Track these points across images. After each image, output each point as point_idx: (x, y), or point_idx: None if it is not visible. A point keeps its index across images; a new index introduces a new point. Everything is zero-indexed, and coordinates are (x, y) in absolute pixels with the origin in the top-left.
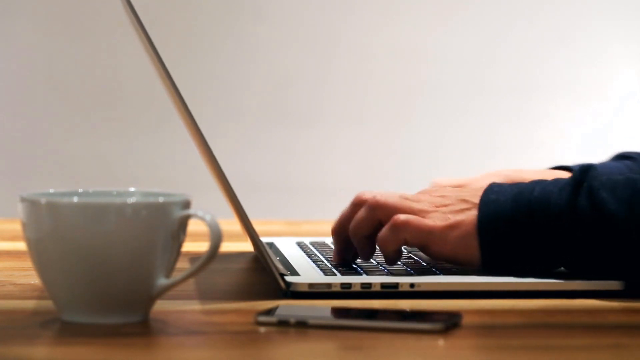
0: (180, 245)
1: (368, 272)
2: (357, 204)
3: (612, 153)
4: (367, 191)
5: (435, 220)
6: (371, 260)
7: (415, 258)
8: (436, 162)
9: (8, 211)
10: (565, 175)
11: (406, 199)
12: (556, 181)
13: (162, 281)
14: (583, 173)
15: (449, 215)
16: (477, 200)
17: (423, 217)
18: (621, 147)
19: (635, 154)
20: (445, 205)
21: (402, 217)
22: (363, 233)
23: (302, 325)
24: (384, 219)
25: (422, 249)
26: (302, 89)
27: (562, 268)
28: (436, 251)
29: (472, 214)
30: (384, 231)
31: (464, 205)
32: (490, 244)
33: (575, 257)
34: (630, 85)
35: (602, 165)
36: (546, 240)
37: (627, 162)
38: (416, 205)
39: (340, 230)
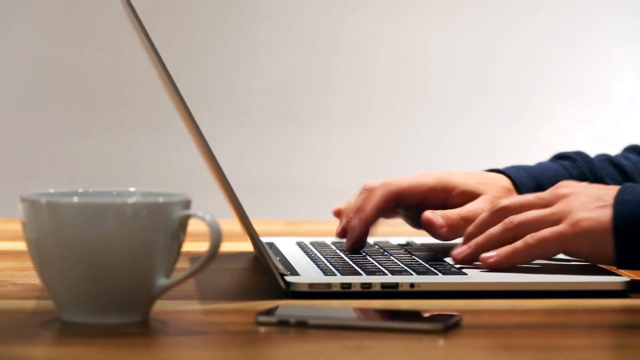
0: (180, 245)
1: (368, 272)
2: (495, 213)
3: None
4: (505, 200)
5: (568, 222)
6: (372, 261)
7: (416, 258)
8: (438, 162)
9: (8, 211)
10: (501, 178)
11: (542, 198)
12: None
13: (162, 281)
14: None
15: (584, 213)
16: (611, 199)
17: (558, 219)
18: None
19: (572, 154)
20: (580, 203)
21: (538, 234)
22: (492, 248)
23: (302, 325)
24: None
25: (563, 252)
26: (302, 89)
27: None
28: (574, 251)
29: (608, 213)
30: (521, 246)
31: (599, 203)
32: (626, 244)
33: None
34: (633, 85)
35: (538, 165)
36: None
37: (564, 162)
38: (551, 211)
39: (474, 236)
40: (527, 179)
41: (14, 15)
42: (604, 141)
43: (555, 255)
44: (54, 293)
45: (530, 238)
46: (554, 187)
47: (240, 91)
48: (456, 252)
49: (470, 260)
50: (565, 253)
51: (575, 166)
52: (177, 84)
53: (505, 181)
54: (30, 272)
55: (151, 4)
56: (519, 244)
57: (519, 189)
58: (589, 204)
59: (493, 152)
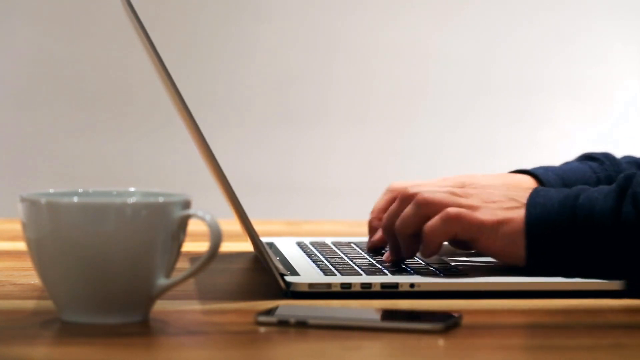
0: (180, 245)
1: (368, 272)
2: (404, 200)
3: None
4: (411, 185)
5: (485, 215)
6: (372, 261)
7: (416, 258)
8: (438, 162)
9: (8, 211)
10: (527, 179)
11: (453, 194)
12: (601, 188)
13: (162, 281)
14: (628, 180)
15: (498, 212)
16: (524, 200)
17: (473, 211)
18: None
19: (599, 155)
20: (493, 202)
21: (454, 210)
22: (410, 231)
23: (302, 325)
24: (432, 216)
25: (470, 243)
26: (302, 89)
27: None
28: (485, 246)
29: (521, 213)
30: (434, 222)
31: (513, 204)
32: (536, 246)
33: (620, 263)
34: (633, 86)
35: (566, 166)
36: (591, 246)
37: (592, 163)
38: (464, 201)
39: (391, 228)
40: (555, 180)
41: (14, 15)
42: (604, 141)
43: (466, 240)
44: (54, 293)
45: (451, 210)
46: (457, 182)
47: (240, 91)
48: (385, 256)
49: (398, 256)
50: (475, 243)
51: (602, 168)
52: (177, 84)
53: (530, 182)
54: (30, 272)
55: (151, 4)
56: (436, 217)
57: None
58: (502, 203)
59: (493, 152)
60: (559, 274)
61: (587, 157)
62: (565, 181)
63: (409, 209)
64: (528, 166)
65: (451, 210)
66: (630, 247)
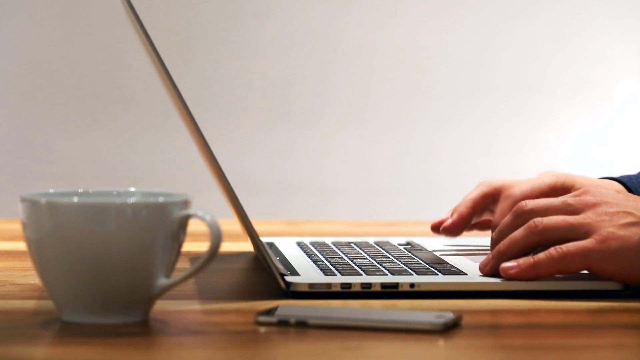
0: (180, 245)
1: (368, 272)
2: (519, 215)
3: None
4: (530, 202)
5: (596, 238)
6: (372, 261)
7: (416, 258)
8: (436, 162)
9: (8, 211)
10: (617, 186)
11: (568, 205)
12: None
13: (162, 281)
14: None
15: (612, 230)
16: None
17: (586, 232)
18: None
19: None
20: (609, 215)
21: (562, 248)
22: (518, 252)
23: (302, 325)
24: (543, 244)
25: (589, 270)
26: (302, 89)
27: None
28: (599, 270)
29: (637, 232)
30: (544, 259)
31: (629, 219)
32: None
33: None
34: (631, 86)
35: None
36: None
37: None
38: (579, 220)
39: (499, 241)
40: None
41: (14, 15)
42: (603, 141)
43: (579, 271)
44: (54, 293)
45: (554, 251)
46: (578, 191)
47: (240, 91)
48: (482, 263)
49: (497, 270)
50: (590, 270)
51: None
52: (177, 84)
53: (621, 188)
54: (30, 272)
55: (151, 4)
56: (542, 256)
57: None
58: (618, 218)
59: (492, 152)
60: None
61: None
62: None
63: (519, 234)
64: (524, 167)
65: (560, 248)
66: None
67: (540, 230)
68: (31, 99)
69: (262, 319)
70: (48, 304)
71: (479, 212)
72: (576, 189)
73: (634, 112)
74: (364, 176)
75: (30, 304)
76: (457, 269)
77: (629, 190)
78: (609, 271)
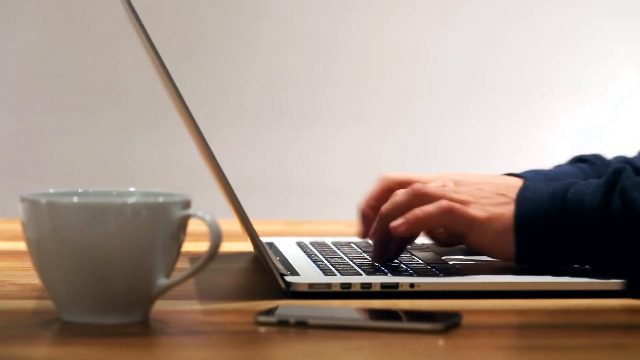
0: (180, 245)
1: (368, 272)
2: (404, 192)
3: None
4: (406, 178)
5: (476, 211)
6: (370, 260)
7: (416, 258)
8: (435, 162)
9: (8, 211)
10: (516, 181)
11: (444, 186)
12: (590, 182)
13: (162, 281)
14: (617, 174)
15: (489, 207)
16: (514, 195)
17: (464, 206)
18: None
19: (590, 157)
20: (484, 197)
21: (447, 202)
22: (396, 216)
23: (302, 325)
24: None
25: (460, 237)
26: (301, 89)
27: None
28: (475, 241)
29: (510, 209)
30: (428, 207)
31: (503, 200)
32: (526, 241)
33: (608, 257)
34: (630, 85)
35: (556, 169)
36: (579, 240)
37: (582, 165)
38: (456, 196)
39: (387, 215)
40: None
41: (14, 15)
42: (601, 141)
43: (458, 232)
44: (54, 293)
45: (445, 203)
46: (450, 179)
47: (240, 91)
48: (370, 232)
49: (383, 234)
50: (465, 240)
51: (593, 169)
52: (177, 84)
53: (519, 184)
54: (30, 272)
55: (151, 4)
56: (430, 207)
57: None
58: (493, 198)
59: (491, 152)
60: (548, 268)
61: (578, 160)
62: None
63: (401, 196)
64: (523, 167)
65: (444, 202)
66: (619, 241)
67: (422, 193)
68: (31, 99)
69: (262, 319)
70: (48, 304)
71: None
72: None
73: (634, 111)
74: (363, 176)
75: (30, 304)
76: (457, 269)
77: None
78: (483, 244)
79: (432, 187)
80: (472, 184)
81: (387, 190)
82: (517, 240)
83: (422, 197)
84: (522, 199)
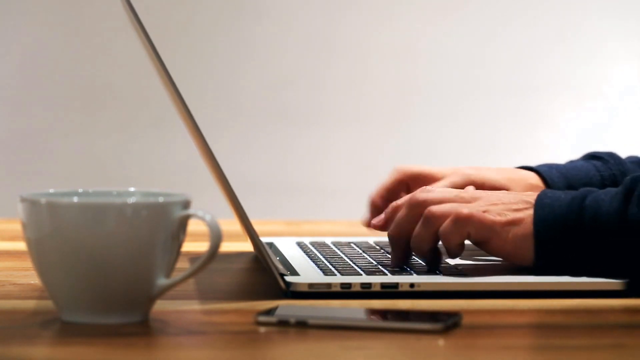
0: (180, 245)
1: (368, 272)
2: (412, 207)
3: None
4: (420, 192)
5: (495, 216)
6: (372, 260)
7: (415, 258)
8: (436, 162)
9: (8, 211)
10: (531, 175)
11: (462, 199)
12: (607, 190)
13: (162, 281)
14: (634, 181)
15: (508, 213)
16: (532, 200)
17: (483, 212)
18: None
19: (604, 154)
20: (503, 204)
21: (465, 210)
22: (427, 248)
23: (302, 325)
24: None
25: (481, 244)
26: (301, 89)
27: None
28: (495, 247)
29: (529, 213)
30: (446, 225)
31: (522, 205)
32: (544, 248)
33: (626, 264)
34: (628, 83)
35: (570, 164)
36: (597, 247)
37: (596, 162)
38: (473, 206)
39: (399, 238)
40: (559, 178)
41: (14, 15)
42: (600, 139)
43: (477, 239)
44: (54, 293)
45: (461, 212)
46: (464, 179)
47: (240, 91)
48: (393, 260)
49: (403, 256)
50: (486, 246)
51: (607, 167)
52: (177, 84)
53: (535, 179)
54: (30, 272)
55: (151, 4)
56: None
57: (550, 187)
58: (511, 204)
59: (490, 151)
60: (567, 274)
61: (592, 157)
62: (568, 179)
63: (420, 229)
64: (529, 164)
65: (462, 211)
66: (636, 248)
67: (437, 217)
68: (31, 99)
69: (262, 319)
70: (48, 304)
71: (393, 199)
72: (488, 185)
73: (634, 111)
74: (363, 176)
75: (30, 304)
76: (457, 269)
77: (545, 180)
78: (504, 250)
79: (447, 206)
80: (490, 192)
81: (400, 182)
82: (535, 246)
83: (438, 220)
84: (541, 205)
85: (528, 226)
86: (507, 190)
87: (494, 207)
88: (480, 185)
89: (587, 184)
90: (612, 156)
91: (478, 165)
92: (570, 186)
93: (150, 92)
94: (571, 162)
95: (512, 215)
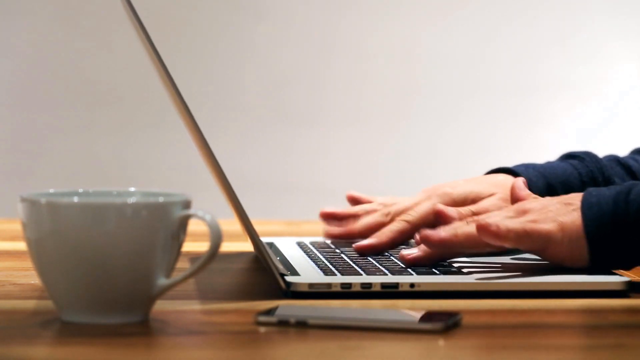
0: (180, 245)
1: (368, 272)
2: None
3: (609, 151)
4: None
5: (549, 224)
6: (372, 261)
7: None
8: (435, 161)
9: (8, 211)
10: (506, 177)
11: (516, 215)
12: None
13: (162, 281)
14: None
15: (559, 218)
16: (578, 201)
17: (536, 224)
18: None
19: (580, 153)
20: (551, 211)
21: (521, 227)
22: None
23: (302, 325)
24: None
25: (537, 253)
26: (301, 88)
27: None
28: (552, 254)
29: (578, 216)
30: (510, 243)
31: (569, 208)
32: (598, 245)
33: None
34: (629, 82)
35: (548, 164)
36: None
37: (573, 161)
38: (525, 219)
39: (453, 245)
40: (537, 177)
41: (13, 15)
42: (600, 139)
43: (533, 250)
44: (54, 293)
45: (523, 228)
46: (517, 204)
47: (239, 91)
48: (406, 252)
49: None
50: (543, 254)
51: (584, 165)
52: (177, 83)
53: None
54: (30, 272)
55: (151, 4)
56: (513, 224)
57: (529, 187)
58: (559, 209)
59: (489, 152)
60: (623, 268)
61: (568, 156)
62: (547, 178)
63: (489, 243)
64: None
65: (519, 228)
66: None
67: (501, 237)
68: (31, 99)
69: (262, 319)
70: (48, 304)
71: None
72: (472, 198)
73: (634, 111)
74: (363, 176)
75: (30, 304)
76: (457, 269)
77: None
78: (562, 254)
79: (509, 222)
80: (536, 204)
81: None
82: (589, 246)
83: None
84: (588, 205)
85: (578, 228)
86: (493, 196)
87: (544, 216)
88: (463, 200)
89: (566, 182)
90: (588, 154)
91: (462, 172)
92: (549, 185)
93: (150, 92)
94: (548, 162)
95: (562, 219)
